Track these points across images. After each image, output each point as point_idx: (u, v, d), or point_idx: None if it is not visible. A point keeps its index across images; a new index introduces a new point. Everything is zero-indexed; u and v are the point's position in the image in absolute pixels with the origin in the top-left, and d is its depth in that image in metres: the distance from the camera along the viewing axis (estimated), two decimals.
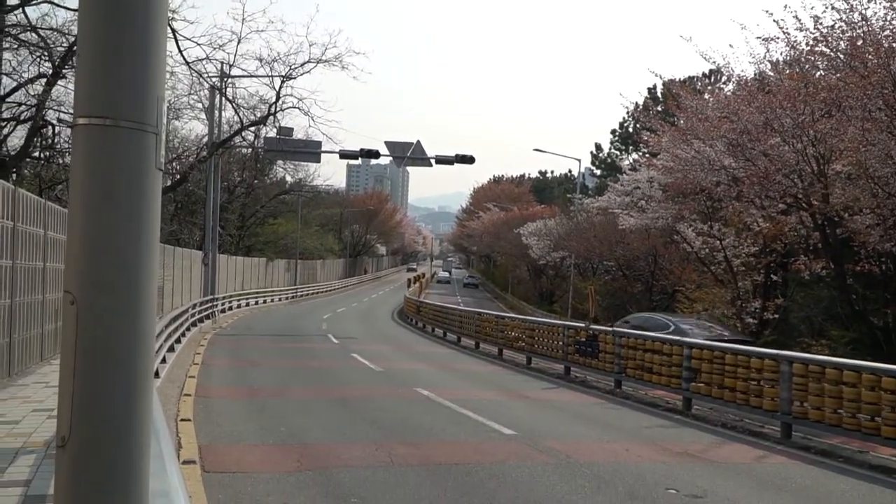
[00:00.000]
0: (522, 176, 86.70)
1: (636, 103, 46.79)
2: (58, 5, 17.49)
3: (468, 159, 27.92)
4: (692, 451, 8.85)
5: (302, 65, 23.41)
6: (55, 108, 19.97)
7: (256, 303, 39.58)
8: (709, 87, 27.36)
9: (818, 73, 18.36)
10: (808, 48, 17.96)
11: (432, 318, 28.87)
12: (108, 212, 1.73)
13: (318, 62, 23.05)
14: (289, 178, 50.26)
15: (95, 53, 1.73)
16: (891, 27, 16.60)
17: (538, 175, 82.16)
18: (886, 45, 16.56)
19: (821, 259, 19.04)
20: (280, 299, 44.84)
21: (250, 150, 33.87)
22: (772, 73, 20.03)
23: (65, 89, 19.33)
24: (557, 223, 41.12)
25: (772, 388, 9.91)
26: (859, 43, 16.92)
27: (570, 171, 69.01)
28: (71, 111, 20.78)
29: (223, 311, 30.64)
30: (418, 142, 27.75)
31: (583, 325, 16.55)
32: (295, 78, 23.91)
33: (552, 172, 79.48)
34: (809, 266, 18.92)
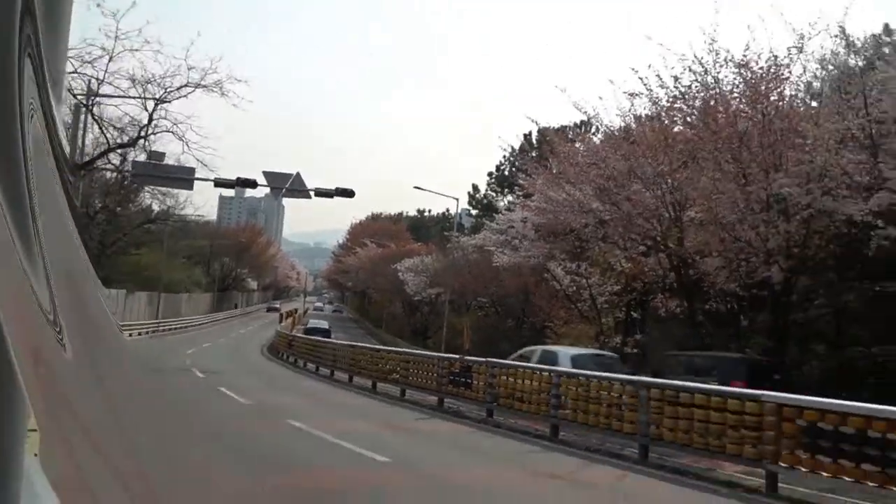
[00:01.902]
0: (400, 214, 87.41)
1: (513, 147, 48.74)
2: None
3: (348, 193, 27.73)
4: (559, 473, 9.16)
5: (178, 88, 22.64)
6: None
7: None
8: (580, 136, 28.97)
9: (676, 127, 19.97)
10: (668, 104, 19.57)
11: (305, 352, 28.20)
12: None
13: (196, 87, 22.40)
14: (156, 207, 47.79)
15: None
16: (738, 90, 18.47)
17: (416, 213, 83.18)
18: (734, 105, 18.38)
19: (675, 297, 20.47)
20: (140, 334, 42.15)
21: (116, 173, 32.08)
22: (636, 126, 21.56)
23: None
24: (434, 260, 41.62)
25: (631, 413, 10.46)
26: (712, 102, 18.66)
27: (447, 210, 70.29)
28: None
29: None
30: (298, 173, 27.24)
31: (457, 356, 16.80)
32: (170, 101, 23.12)
33: (430, 211, 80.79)
34: (665, 304, 20.27)
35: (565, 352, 15.89)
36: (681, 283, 19.83)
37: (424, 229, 72.18)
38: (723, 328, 19.42)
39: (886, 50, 20.19)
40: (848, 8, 17.90)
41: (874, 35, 21.97)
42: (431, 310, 44.82)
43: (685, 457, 9.71)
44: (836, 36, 19.83)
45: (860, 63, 20.22)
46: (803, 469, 7.83)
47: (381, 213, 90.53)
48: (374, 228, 75.11)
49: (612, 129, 22.90)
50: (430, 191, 71.85)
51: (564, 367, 13.41)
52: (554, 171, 23.87)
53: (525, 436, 12.49)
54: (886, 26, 23.22)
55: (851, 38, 20.32)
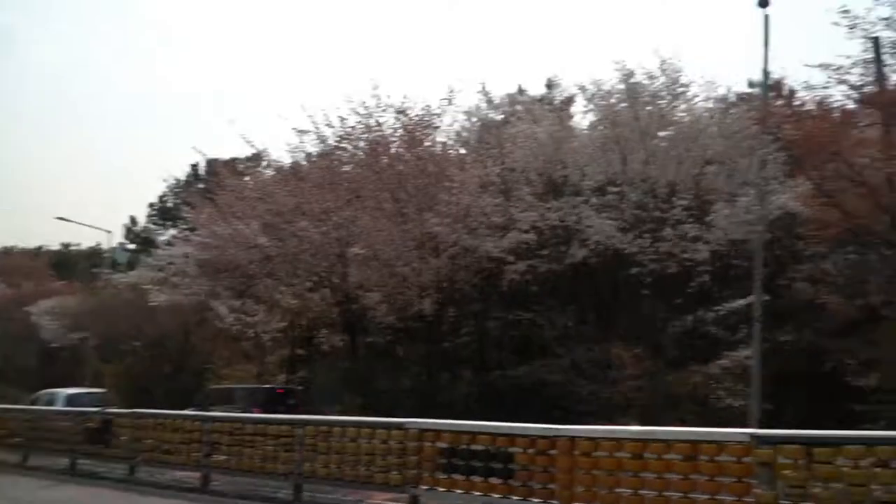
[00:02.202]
0: (40, 248, 75.87)
1: (177, 179, 45.67)
2: None
3: None
4: None
5: None
6: None
7: None
8: (251, 169, 28.20)
9: (344, 166, 20.52)
10: (335, 144, 20.11)
11: None
12: None
13: None
14: None
15: None
16: (398, 135, 19.69)
17: (61, 247, 72.89)
18: (394, 149, 19.55)
19: (339, 332, 20.78)
20: None
21: None
22: (305, 162, 21.71)
23: None
24: (78, 301, 36.81)
25: (286, 453, 10.08)
26: (375, 144, 19.61)
27: (99, 245, 63.09)
28: None
29: None
30: None
31: (96, 410, 14.86)
32: None
33: (79, 246, 71.32)
34: (330, 339, 20.45)
35: (63, 392, 18.20)
36: (344, 318, 20.20)
37: (72, 265, 63.50)
38: (382, 359, 20.20)
39: (519, 108, 23.45)
40: (488, 69, 20.52)
41: (510, 94, 25.50)
42: (73, 357, 39.29)
43: (338, 491, 9.63)
44: (479, 92, 22.66)
45: (499, 117, 23.21)
46: (441, 489, 8.24)
47: (14, 247, 77.68)
48: (5, 265, 64.17)
49: (281, 164, 22.80)
50: (76, 222, 61.39)
51: (61, 406, 15.96)
52: (220, 205, 22.78)
53: (172, 491, 11.35)
54: (520, 87, 27.22)
55: (491, 96, 23.35)
